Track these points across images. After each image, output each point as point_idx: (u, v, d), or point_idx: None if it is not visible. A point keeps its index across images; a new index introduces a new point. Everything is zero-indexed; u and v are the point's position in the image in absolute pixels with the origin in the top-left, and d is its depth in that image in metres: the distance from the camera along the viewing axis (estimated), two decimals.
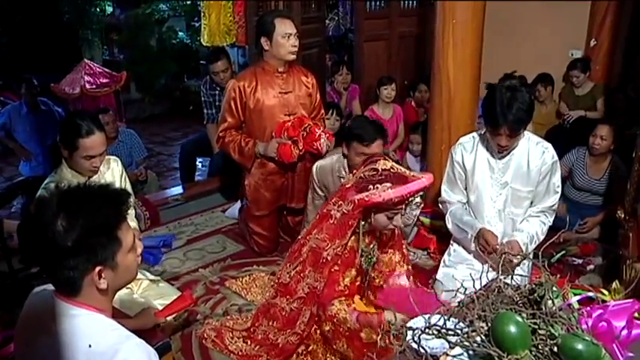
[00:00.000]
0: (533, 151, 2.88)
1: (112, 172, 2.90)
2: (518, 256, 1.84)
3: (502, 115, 2.63)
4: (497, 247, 2.80)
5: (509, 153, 2.88)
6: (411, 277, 2.79)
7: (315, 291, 2.49)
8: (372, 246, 2.61)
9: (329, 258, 2.43)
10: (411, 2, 6.50)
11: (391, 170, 2.38)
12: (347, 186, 2.48)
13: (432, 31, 3.73)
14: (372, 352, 2.46)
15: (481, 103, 2.85)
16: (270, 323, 2.65)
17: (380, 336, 2.46)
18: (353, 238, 2.47)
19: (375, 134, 3.15)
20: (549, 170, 2.89)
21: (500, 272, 1.42)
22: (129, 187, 2.91)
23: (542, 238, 2.92)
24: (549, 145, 2.92)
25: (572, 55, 5.69)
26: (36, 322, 1.49)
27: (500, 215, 2.97)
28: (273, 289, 2.73)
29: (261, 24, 3.43)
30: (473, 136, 3.04)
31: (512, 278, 1.44)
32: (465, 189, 3.07)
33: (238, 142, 3.47)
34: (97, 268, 1.42)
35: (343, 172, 3.24)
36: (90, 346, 1.38)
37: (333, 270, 2.47)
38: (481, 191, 2.98)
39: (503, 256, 1.47)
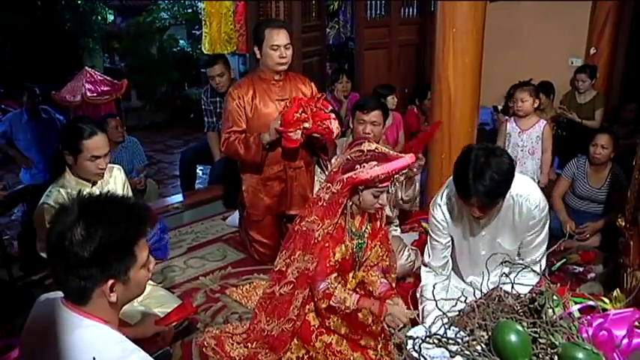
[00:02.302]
0: (520, 206, 2.53)
1: (115, 180, 2.89)
2: None
3: (473, 184, 2.26)
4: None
5: (488, 221, 2.57)
6: (389, 275, 2.79)
7: (306, 273, 2.52)
8: (363, 230, 2.65)
9: (320, 238, 2.49)
10: (411, 11, 6.53)
11: (376, 150, 2.47)
12: (334, 170, 2.56)
13: (432, 40, 3.74)
14: (365, 331, 2.55)
15: (454, 165, 2.44)
16: (267, 318, 2.66)
17: (378, 323, 2.54)
18: (342, 217, 2.54)
19: (375, 105, 3.51)
20: (539, 225, 2.57)
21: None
22: (130, 196, 2.91)
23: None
24: (540, 198, 2.56)
25: (572, 63, 5.72)
26: (42, 331, 1.48)
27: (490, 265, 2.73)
28: (270, 279, 2.75)
29: (254, 33, 3.45)
30: (449, 196, 2.66)
31: (512, 287, 1.44)
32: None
33: (243, 138, 3.42)
34: (110, 282, 1.41)
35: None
36: (94, 358, 1.36)
37: (323, 247, 2.51)
38: (465, 247, 2.75)
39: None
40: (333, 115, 3.35)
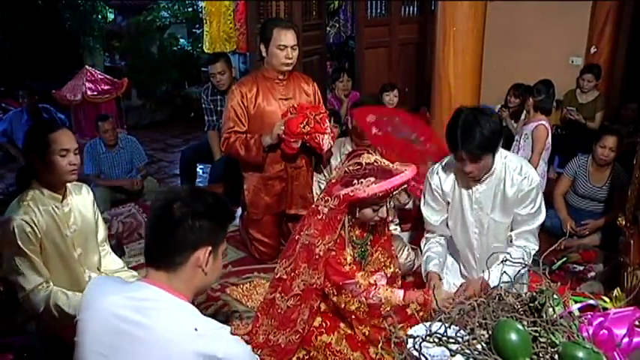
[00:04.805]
0: (511, 179, 2.63)
1: (84, 199, 2.65)
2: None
3: (461, 137, 2.42)
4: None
5: (482, 180, 2.65)
6: (395, 281, 2.77)
7: (311, 287, 2.51)
8: (364, 238, 2.63)
9: (321, 254, 2.47)
10: (411, 10, 6.54)
11: (375, 164, 2.40)
12: (333, 181, 2.52)
13: (433, 39, 3.74)
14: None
15: (446, 125, 2.59)
16: (270, 322, 2.65)
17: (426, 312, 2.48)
18: (342, 229, 2.51)
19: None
20: (530, 197, 2.64)
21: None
22: (100, 219, 2.74)
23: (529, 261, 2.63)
24: (530, 171, 2.66)
25: (572, 62, 5.72)
26: (119, 310, 1.51)
27: (482, 246, 2.78)
28: (271, 285, 2.74)
29: (262, 30, 3.45)
30: (447, 164, 2.77)
31: (512, 286, 1.44)
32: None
33: (243, 139, 3.42)
34: (209, 248, 1.55)
35: (348, 147, 3.59)
36: (196, 329, 1.44)
37: (331, 257, 2.50)
38: (461, 220, 2.79)
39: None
40: (328, 130, 3.36)
